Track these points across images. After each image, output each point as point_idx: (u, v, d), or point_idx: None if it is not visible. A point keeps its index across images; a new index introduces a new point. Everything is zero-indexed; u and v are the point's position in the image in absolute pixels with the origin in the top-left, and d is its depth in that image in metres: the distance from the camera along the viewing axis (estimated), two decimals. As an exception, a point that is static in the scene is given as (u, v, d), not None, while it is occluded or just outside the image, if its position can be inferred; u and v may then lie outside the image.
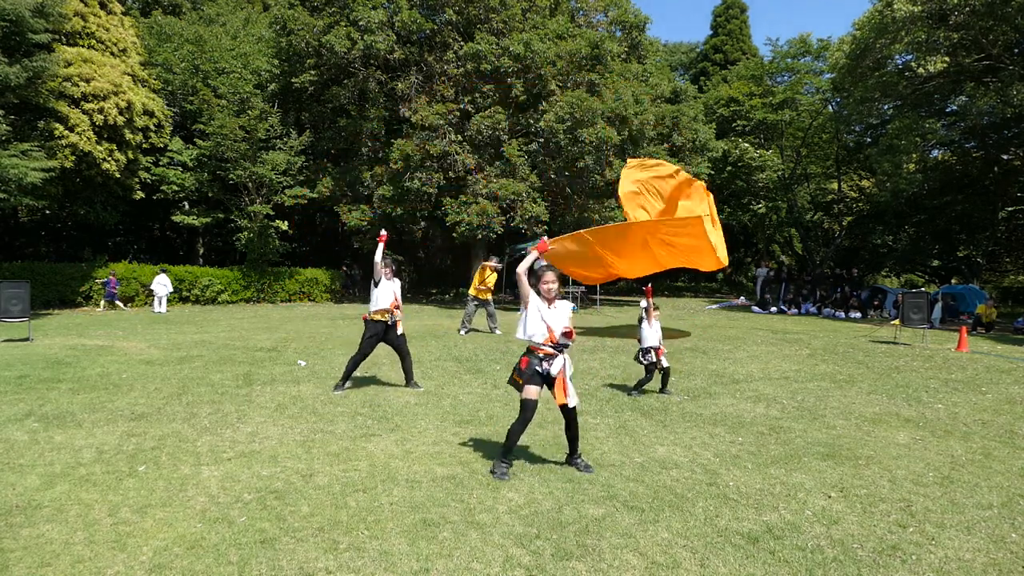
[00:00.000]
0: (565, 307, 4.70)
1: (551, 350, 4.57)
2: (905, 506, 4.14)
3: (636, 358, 7.59)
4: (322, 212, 25.55)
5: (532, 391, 4.57)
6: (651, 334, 7.46)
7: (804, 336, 13.57)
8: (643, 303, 7.62)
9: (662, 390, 7.52)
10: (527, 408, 4.58)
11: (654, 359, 7.42)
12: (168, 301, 18.56)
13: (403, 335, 7.50)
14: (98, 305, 18.28)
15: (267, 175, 20.44)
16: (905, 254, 27.29)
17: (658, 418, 6.37)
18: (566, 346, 4.64)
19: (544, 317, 4.57)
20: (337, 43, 19.45)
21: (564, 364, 4.58)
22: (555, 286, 4.60)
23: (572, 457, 4.80)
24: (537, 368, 4.57)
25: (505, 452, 4.62)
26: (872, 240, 28.82)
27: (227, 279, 20.95)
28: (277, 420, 6.04)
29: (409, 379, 7.59)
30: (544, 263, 4.82)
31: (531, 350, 4.63)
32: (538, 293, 4.62)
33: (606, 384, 8.05)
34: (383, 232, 7.53)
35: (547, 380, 4.61)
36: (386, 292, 7.32)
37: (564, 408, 4.62)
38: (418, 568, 3.26)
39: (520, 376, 4.63)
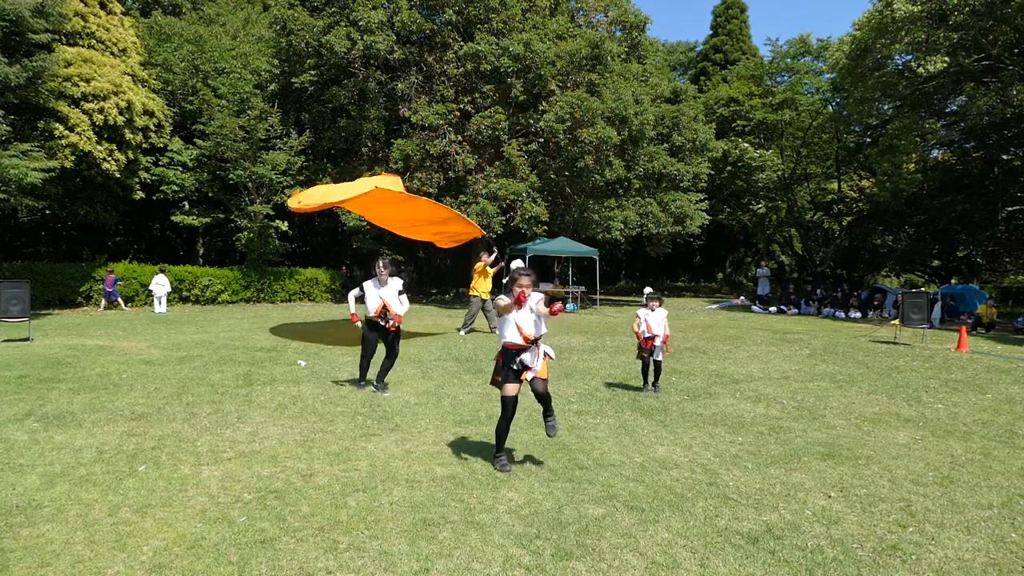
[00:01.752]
0: (534, 298, 4.76)
1: (523, 344, 4.70)
2: (905, 506, 4.14)
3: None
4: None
5: (510, 388, 4.71)
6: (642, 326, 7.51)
7: (804, 336, 13.57)
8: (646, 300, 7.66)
9: (649, 384, 7.63)
10: (506, 405, 4.73)
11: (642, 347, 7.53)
12: (168, 301, 18.55)
13: (396, 334, 7.28)
14: (98, 305, 18.29)
15: (267, 175, 20.43)
16: (905, 254, 27.29)
17: (658, 418, 6.37)
18: (537, 341, 4.75)
19: (514, 319, 4.71)
20: (337, 43, 19.44)
21: (540, 354, 4.72)
22: (528, 290, 4.70)
23: (547, 418, 4.89)
24: (512, 365, 4.71)
25: (497, 448, 4.85)
26: (872, 240, 28.80)
27: (227, 279, 20.93)
28: (277, 420, 6.04)
29: (379, 377, 7.30)
30: (522, 267, 4.89)
31: (505, 348, 4.76)
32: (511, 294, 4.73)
33: (606, 384, 8.04)
34: (354, 315, 7.65)
35: (519, 372, 4.73)
36: (373, 298, 7.18)
37: (536, 393, 4.71)
38: (418, 568, 3.26)
39: (498, 375, 4.79)
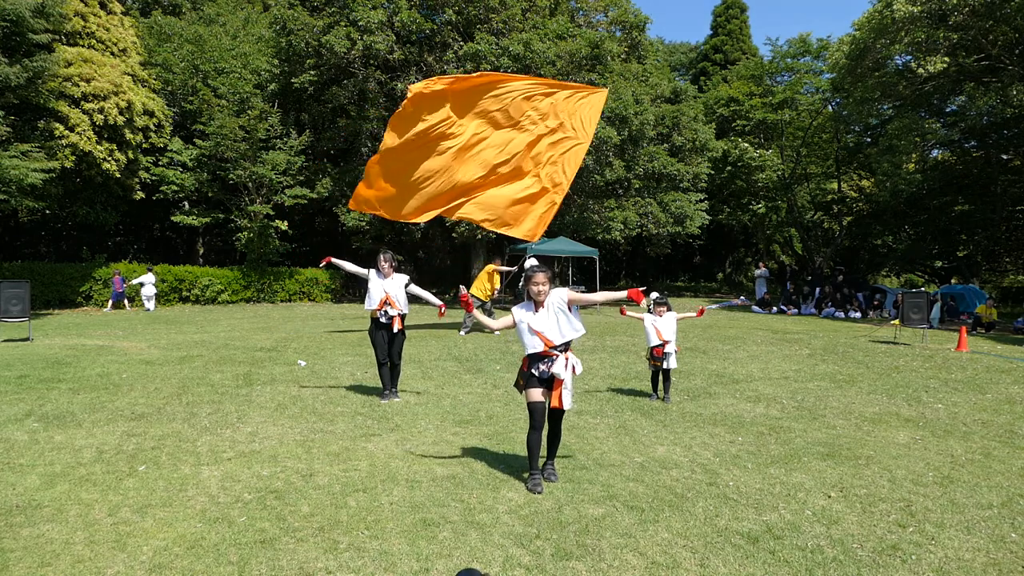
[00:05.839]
0: (558, 295, 4.43)
1: (550, 350, 4.39)
2: (905, 506, 4.14)
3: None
4: (322, 212, 25.55)
5: (534, 394, 4.41)
6: (651, 333, 7.26)
7: (804, 336, 13.57)
8: (652, 295, 7.54)
9: (658, 394, 7.29)
10: (533, 412, 4.42)
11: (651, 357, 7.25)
12: (167, 301, 18.59)
13: (401, 333, 6.93)
14: (104, 305, 18.30)
15: (267, 175, 20.44)
16: (905, 254, 27.28)
17: (658, 418, 6.37)
18: (567, 347, 4.46)
19: (533, 326, 4.39)
20: (337, 43, 19.44)
21: (567, 364, 4.40)
22: (545, 287, 4.41)
23: (546, 462, 4.59)
24: (535, 372, 4.41)
25: (530, 464, 4.44)
26: (872, 240, 28.79)
27: (227, 279, 20.95)
28: (277, 420, 6.04)
29: (390, 386, 6.99)
30: (536, 264, 4.78)
31: (531, 354, 4.47)
32: (527, 295, 4.47)
33: (606, 384, 8.04)
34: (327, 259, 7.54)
35: (549, 381, 4.44)
36: (377, 290, 6.83)
37: (553, 412, 4.47)
38: (418, 568, 3.25)
39: (521, 378, 4.52)
